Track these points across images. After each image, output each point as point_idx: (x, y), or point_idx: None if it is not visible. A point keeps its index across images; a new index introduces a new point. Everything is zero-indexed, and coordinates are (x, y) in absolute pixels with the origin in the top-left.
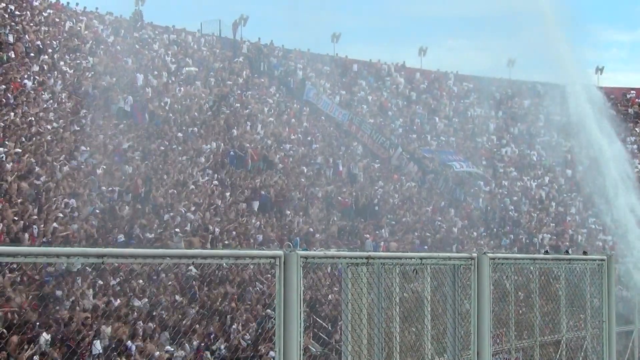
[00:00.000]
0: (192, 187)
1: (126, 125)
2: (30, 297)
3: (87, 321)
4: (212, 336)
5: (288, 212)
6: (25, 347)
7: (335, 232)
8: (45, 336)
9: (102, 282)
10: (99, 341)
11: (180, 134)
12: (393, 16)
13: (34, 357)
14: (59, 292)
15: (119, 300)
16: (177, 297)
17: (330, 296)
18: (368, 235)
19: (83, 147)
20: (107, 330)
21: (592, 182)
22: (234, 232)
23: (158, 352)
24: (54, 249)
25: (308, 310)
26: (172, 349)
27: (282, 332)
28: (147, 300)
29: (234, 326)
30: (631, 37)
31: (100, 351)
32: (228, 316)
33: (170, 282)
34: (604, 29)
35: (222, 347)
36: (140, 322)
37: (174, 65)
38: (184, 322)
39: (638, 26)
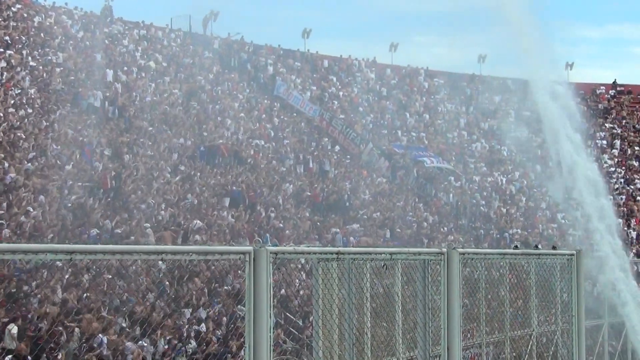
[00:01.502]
0: (163, 182)
1: (96, 121)
2: None
3: (59, 317)
4: (183, 330)
5: (259, 208)
6: None
7: (306, 227)
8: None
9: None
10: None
11: (150, 128)
12: (364, 12)
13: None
14: (26, 288)
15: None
16: (149, 293)
17: (301, 292)
18: (338, 230)
19: (52, 144)
20: (76, 330)
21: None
22: (205, 228)
23: (131, 344)
24: (21, 246)
25: (279, 306)
26: (145, 345)
27: (252, 329)
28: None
29: (202, 326)
30: (600, 33)
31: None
32: (199, 310)
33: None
34: (572, 24)
35: (193, 342)
36: (111, 316)
37: (144, 61)
38: (154, 316)
39: (607, 22)
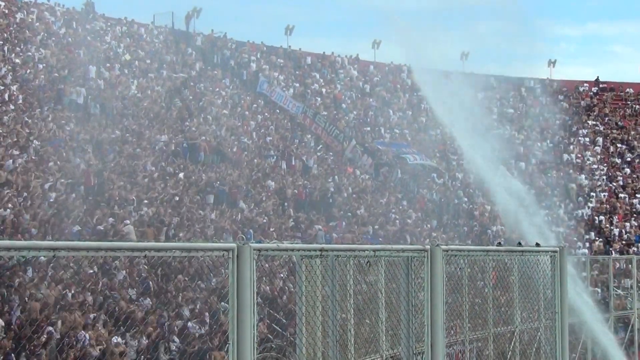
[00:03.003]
0: (145, 179)
1: (78, 118)
2: None
3: (42, 313)
4: (165, 326)
5: (242, 205)
6: None
7: (289, 224)
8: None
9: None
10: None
11: (134, 127)
12: (346, 9)
13: None
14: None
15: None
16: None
17: (285, 287)
18: (320, 227)
19: (35, 140)
20: (58, 323)
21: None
22: (187, 224)
23: (116, 339)
24: (4, 242)
25: (262, 303)
26: (125, 341)
27: (236, 325)
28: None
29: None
30: (579, 31)
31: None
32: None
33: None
34: (552, 23)
35: (176, 339)
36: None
37: (125, 57)
38: (136, 313)
39: (586, 20)
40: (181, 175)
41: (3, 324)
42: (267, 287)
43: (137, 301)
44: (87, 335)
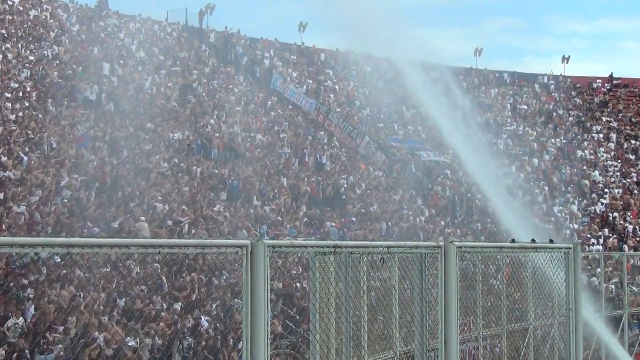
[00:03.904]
0: (159, 176)
1: (92, 115)
2: None
3: (55, 313)
4: (178, 325)
5: (255, 203)
6: None
7: (303, 221)
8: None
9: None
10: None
11: (148, 124)
12: (359, 6)
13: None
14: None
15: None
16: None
17: (298, 284)
18: (334, 224)
19: (49, 137)
20: (73, 320)
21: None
22: (201, 221)
23: (129, 339)
24: (19, 239)
25: (275, 300)
26: (138, 340)
27: (249, 322)
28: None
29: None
30: (590, 27)
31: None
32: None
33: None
34: (563, 19)
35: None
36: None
37: (139, 54)
38: (150, 311)
39: (597, 17)
40: (198, 172)
41: (21, 322)
42: (280, 284)
43: (150, 299)
44: (101, 336)
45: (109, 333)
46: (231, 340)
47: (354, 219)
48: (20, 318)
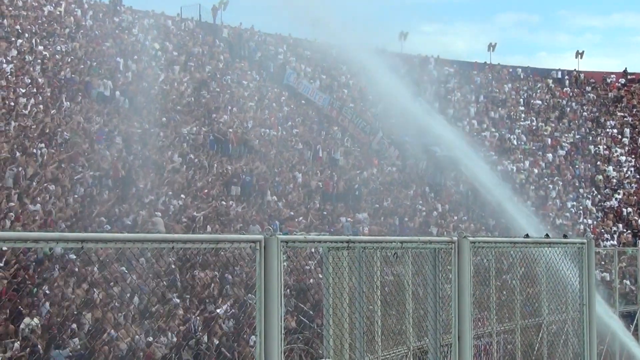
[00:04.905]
0: (173, 171)
1: (106, 110)
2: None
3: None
4: (192, 322)
5: (269, 199)
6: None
7: (316, 216)
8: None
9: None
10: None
11: (163, 119)
12: (372, 1)
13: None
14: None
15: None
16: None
17: (311, 280)
18: (350, 219)
19: (63, 132)
20: (88, 316)
21: None
22: (215, 216)
23: (143, 338)
24: (32, 234)
25: (289, 294)
26: (154, 339)
27: (263, 317)
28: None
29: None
30: (604, 22)
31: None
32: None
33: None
34: (577, 14)
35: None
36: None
37: (153, 50)
38: (164, 308)
39: (611, 11)
40: (214, 166)
41: (35, 322)
42: (293, 279)
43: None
44: (115, 334)
45: (125, 331)
46: (245, 335)
47: (365, 214)
48: (35, 318)
